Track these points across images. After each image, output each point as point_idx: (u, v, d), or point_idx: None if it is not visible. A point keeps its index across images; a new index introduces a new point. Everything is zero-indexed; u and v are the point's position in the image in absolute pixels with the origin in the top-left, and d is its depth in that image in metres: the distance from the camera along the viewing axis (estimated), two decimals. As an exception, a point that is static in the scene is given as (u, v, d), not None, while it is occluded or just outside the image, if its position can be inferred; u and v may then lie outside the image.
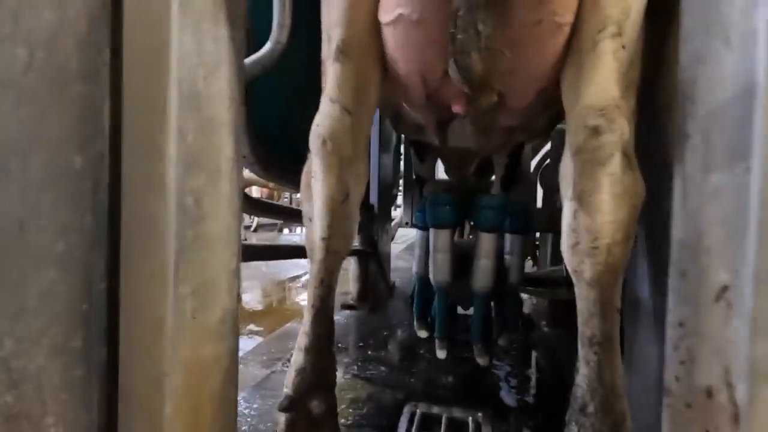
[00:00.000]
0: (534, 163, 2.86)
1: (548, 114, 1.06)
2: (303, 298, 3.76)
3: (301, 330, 0.90)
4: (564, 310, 2.05)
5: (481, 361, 1.39)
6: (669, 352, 0.52)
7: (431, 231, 1.34)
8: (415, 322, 1.64)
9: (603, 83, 0.63)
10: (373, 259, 2.53)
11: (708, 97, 0.46)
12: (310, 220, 0.89)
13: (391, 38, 0.79)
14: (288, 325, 2.30)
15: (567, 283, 1.78)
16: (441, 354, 1.40)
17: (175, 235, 0.55)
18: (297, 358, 0.89)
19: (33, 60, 0.48)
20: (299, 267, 5.12)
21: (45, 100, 0.50)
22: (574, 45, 0.70)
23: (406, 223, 3.32)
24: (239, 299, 0.72)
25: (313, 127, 0.80)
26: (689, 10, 0.50)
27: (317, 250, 0.85)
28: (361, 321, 2.24)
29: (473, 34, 0.66)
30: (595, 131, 0.62)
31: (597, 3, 0.63)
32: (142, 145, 0.55)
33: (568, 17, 0.67)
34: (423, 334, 1.63)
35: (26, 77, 0.47)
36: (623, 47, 0.65)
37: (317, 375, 0.88)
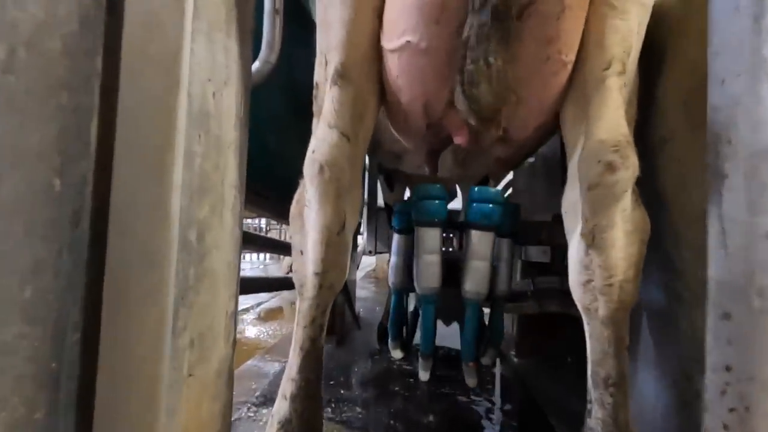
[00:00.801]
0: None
1: (534, 149, 1.09)
2: (260, 332, 3.53)
3: (286, 375, 0.80)
4: (533, 335, 2.05)
5: (471, 382, 1.26)
6: (712, 397, 0.50)
7: (418, 231, 1.12)
8: (389, 341, 1.48)
9: (613, 119, 0.65)
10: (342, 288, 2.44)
11: (750, 139, 0.46)
12: (302, 252, 0.81)
13: (395, 65, 0.76)
14: (248, 362, 2.12)
15: (534, 296, 1.74)
16: (424, 375, 1.27)
17: (176, 276, 0.46)
18: (281, 407, 0.79)
19: (12, 60, 0.39)
20: (250, 297, 4.84)
21: (22, 108, 0.40)
22: (578, 81, 0.72)
23: (369, 251, 3.25)
24: (235, 344, 0.62)
25: (309, 153, 0.74)
26: (719, 53, 0.51)
27: (309, 285, 0.77)
28: (329, 356, 2.11)
29: (483, 66, 0.65)
30: (610, 167, 0.62)
31: (601, 42, 0.66)
32: (140, 168, 0.46)
33: (572, 56, 0.70)
34: (398, 354, 1.50)
35: (2, 79, 0.38)
36: (625, 84, 0.67)
37: (304, 426, 0.79)
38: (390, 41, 0.74)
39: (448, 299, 1.20)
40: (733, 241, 0.49)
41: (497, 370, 1.98)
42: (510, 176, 2.84)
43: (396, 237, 1.34)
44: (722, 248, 0.50)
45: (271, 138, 1.28)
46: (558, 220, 1.11)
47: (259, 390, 1.72)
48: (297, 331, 0.80)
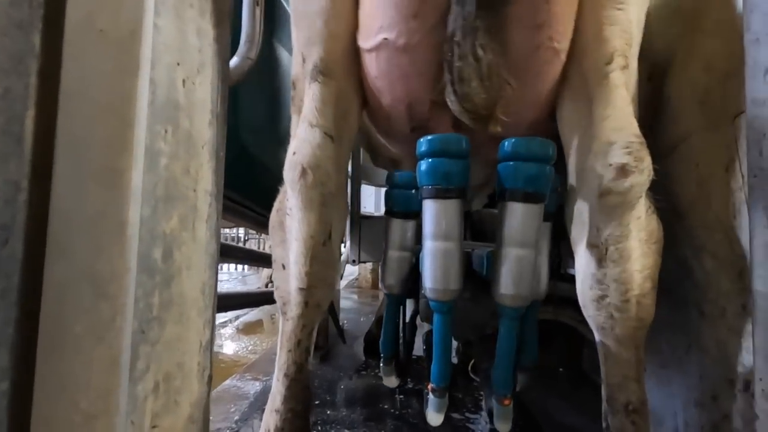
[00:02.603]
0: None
1: None
2: (239, 347, 3.38)
3: (269, 407, 0.71)
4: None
5: (504, 428, 0.81)
6: (764, 426, 0.44)
7: (428, 206, 0.70)
8: (381, 364, 1.00)
9: (622, 118, 0.59)
10: (325, 302, 2.33)
11: (807, 135, 0.41)
12: (284, 266, 0.72)
13: (373, 66, 0.70)
14: (226, 382, 1.99)
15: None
16: (435, 419, 0.79)
17: (135, 305, 0.37)
18: None
19: None
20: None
21: (-76, 93, 0.31)
22: (576, 77, 0.67)
23: (353, 261, 3.16)
24: (210, 380, 0.53)
25: (289, 155, 0.66)
26: (761, 41, 0.46)
27: (293, 303, 0.69)
28: (313, 373, 2.00)
29: (473, 61, 0.60)
30: (623, 171, 0.56)
31: (600, 34, 0.61)
32: (88, 170, 0.36)
33: (564, 43, 0.65)
34: (392, 382, 1.01)
35: None
36: (630, 80, 0.63)
37: None
38: (366, 40, 0.68)
39: (464, 307, 0.84)
40: (788, 251, 0.43)
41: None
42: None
43: (393, 222, 0.91)
44: (772, 259, 0.44)
45: (250, 140, 1.19)
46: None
47: (238, 413, 1.60)
48: (280, 356, 0.71)
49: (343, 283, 5.66)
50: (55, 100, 0.37)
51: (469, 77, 0.60)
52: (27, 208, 0.37)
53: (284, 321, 0.72)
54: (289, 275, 0.69)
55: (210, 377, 0.50)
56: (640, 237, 0.61)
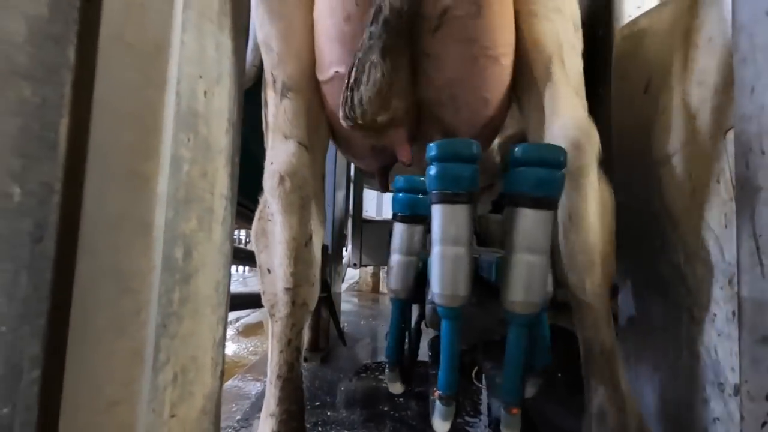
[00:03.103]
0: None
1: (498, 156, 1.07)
2: (240, 348, 3.39)
3: (264, 411, 0.73)
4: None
5: None
6: (750, 428, 0.46)
7: (437, 210, 0.70)
8: (386, 371, 0.99)
9: (568, 102, 0.70)
10: (326, 303, 2.35)
11: (789, 150, 0.44)
12: (269, 271, 0.75)
13: (329, 95, 0.76)
14: (228, 383, 2.01)
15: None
16: (442, 427, 0.77)
17: (158, 301, 0.40)
18: None
19: (-38, 43, 0.32)
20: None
21: (-27, 103, 0.33)
22: (527, 78, 0.76)
23: (354, 264, 3.18)
24: (222, 375, 0.55)
25: (267, 166, 0.71)
26: (747, 60, 0.49)
27: (281, 304, 0.72)
28: (314, 375, 2.02)
29: (365, 75, 0.65)
30: (576, 145, 0.65)
31: (537, 43, 0.72)
32: (118, 175, 0.39)
33: (502, 49, 0.72)
34: (397, 389, 0.99)
35: (-52, 66, 0.31)
36: (570, 78, 0.72)
37: None
38: (321, 73, 0.74)
39: (470, 313, 0.78)
40: (771, 259, 0.45)
41: (485, 386, 1.93)
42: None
43: (398, 227, 0.90)
44: (757, 267, 0.47)
45: (254, 146, 1.22)
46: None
47: (239, 413, 1.62)
48: (272, 358, 0.74)
49: (344, 286, 5.67)
50: (88, 109, 0.40)
51: (359, 87, 0.66)
52: (59, 208, 0.39)
53: (273, 323, 0.74)
54: (275, 278, 0.73)
55: (222, 372, 0.53)
56: (597, 203, 0.69)
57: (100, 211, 0.39)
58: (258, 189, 1.33)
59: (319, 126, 0.79)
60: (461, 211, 0.68)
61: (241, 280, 7.61)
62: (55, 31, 0.40)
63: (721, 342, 0.67)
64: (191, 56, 0.43)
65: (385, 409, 1.63)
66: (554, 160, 0.65)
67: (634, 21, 0.98)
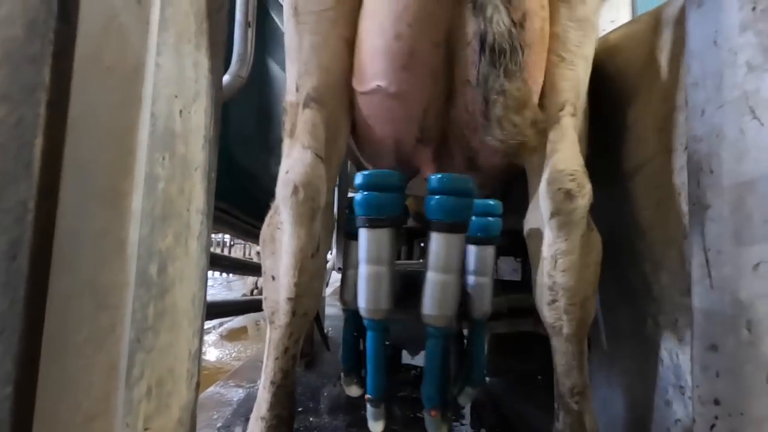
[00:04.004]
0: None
1: (501, 176, 1.11)
2: (223, 354, 3.36)
3: (255, 414, 0.74)
4: (504, 354, 2.04)
5: None
6: (701, 430, 0.49)
7: (363, 233, 0.77)
8: (342, 375, 1.06)
9: (570, 152, 0.71)
10: (310, 310, 2.35)
11: (735, 170, 0.47)
12: (273, 278, 0.76)
13: (366, 107, 0.78)
14: (210, 389, 1.99)
15: (509, 315, 1.71)
16: (377, 427, 0.85)
17: (132, 316, 0.41)
18: None
19: (-64, 68, 0.33)
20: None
21: (-52, 125, 0.34)
22: None
23: (339, 269, 3.17)
24: (198, 386, 0.56)
25: (282, 174, 0.71)
26: (698, 84, 0.52)
27: (282, 312, 0.73)
28: (297, 380, 2.01)
29: (500, 96, 0.69)
30: (569, 195, 0.68)
31: (555, 86, 0.74)
32: (92, 193, 0.40)
33: (535, 87, 0.74)
34: (354, 391, 1.05)
35: None
36: (576, 125, 0.75)
37: None
38: (360, 84, 0.76)
39: (413, 324, 0.85)
40: (719, 272, 0.48)
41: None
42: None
43: (348, 245, 0.96)
44: (707, 279, 0.50)
45: (237, 153, 1.22)
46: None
47: (221, 420, 1.61)
48: (267, 364, 0.75)
49: (328, 290, 5.64)
50: (63, 128, 0.41)
51: (504, 109, 0.70)
52: (33, 226, 0.40)
53: (272, 330, 0.75)
54: (279, 286, 0.74)
55: (198, 384, 0.54)
56: (582, 251, 0.72)
57: (75, 228, 0.40)
58: (242, 195, 1.34)
59: (337, 137, 0.80)
60: (383, 235, 0.75)
61: (226, 284, 7.53)
62: (31, 51, 0.41)
63: (682, 347, 0.70)
64: (168, 77, 0.44)
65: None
66: (464, 190, 0.74)
67: (606, 37, 1.02)
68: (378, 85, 0.73)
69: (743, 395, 0.45)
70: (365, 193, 0.76)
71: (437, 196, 0.74)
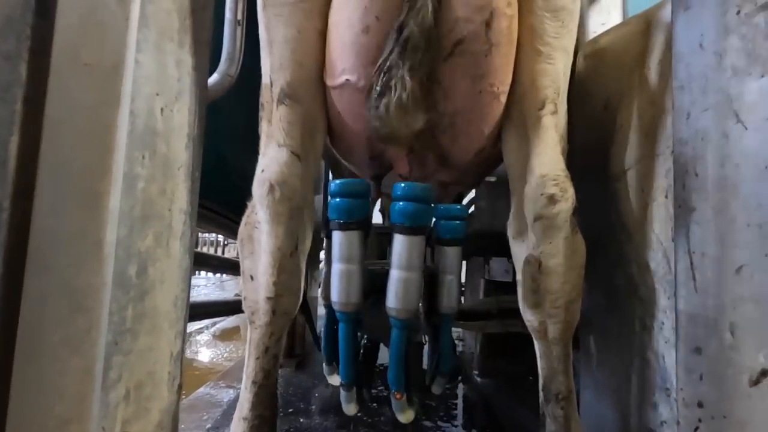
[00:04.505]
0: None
1: (480, 171, 1.11)
2: (215, 354, 3.34)
3: (237, 414, 0.73)
4: (496, 354, 2.05)
5: (402, 417, 0.97)
6: (684, 427, 0.49)
7: (335, 235, 0.87)
8: (324, 365, 1.17)
9: (552, 155, 0.71)
10: (302, 308, 2.34)
11: (719, 174, 0.47)
12: (252, 278, 0.76)
13: (337, 101, 0.77)
14: (200, 390, 1.98)
15: (499, 315, 1.73)
16: (349, 409, 0.96)
17: (109, 318, 0.40)
18: None
19: None
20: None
21: None
22: (516, 117, 0.77)
23: (329, 266, 3.15)
24: (180, 389, 0.55)
25: (258, 173, 0.71)
26: (684, 88, 0.52)
27: (261, 312, 0.72)
28: (288, 381, 2.01)
29: (397, 92, 0.67)
30: (552, 200, 0.68)
31: (534, 83, 0.72)
32: (68, 193, 0.39)
33: (504, 87, 0.74)
34: (335, 380, 1.15)
35: None
36: (558, 123, 0.74)
37: None
38: (331, 79, 0.74)
39: (379, 315, 0.95)
40: (703, 275, 0.48)
41: (460, 391, 1.96)
42: (472, 194, 2.87)
43: (327, 244, 1.07)
44: (691, 282, 0.50)
45: (227, 152, 1.21)
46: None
47: (210, 422, 1.60)
48: (249, 364, 0.74)
49: (320, 290, 5.62)
50: (40, 127, 0.40)
51: (389, 105, 0.67)
52: (8, 225, 0.39)
53: (252, 330, 0.75)
54: (258, 286, 0.73)
55: (180, 386, 0.53)
56: (566, 254, 0.71)
57: (51, 228, 0.39)
58: (229, 194, 1.33)
59: (314, 133, 0.79)
60: (353, 236, 0.84)
61: (219, 283, 7.49)
62: (6, 48, 0.40)
63: (668, 349, 0.70)
64: (149, 75, 0.43)
65: (359, 414, 1.63)
66: (424, 197, 0.82)
67: (595, 39, 1.02)
68: (347, 80, 0.72)
69: (726, 398, 0.45)
70: (337, 199, 0.85)
71: (400, 203, 0.82)
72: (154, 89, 0.44)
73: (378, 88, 0.66)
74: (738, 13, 0.46)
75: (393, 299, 0.82)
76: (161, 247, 0.46)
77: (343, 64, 0.71)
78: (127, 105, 0.40)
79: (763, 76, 0.44)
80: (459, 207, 1.01)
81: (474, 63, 0.69)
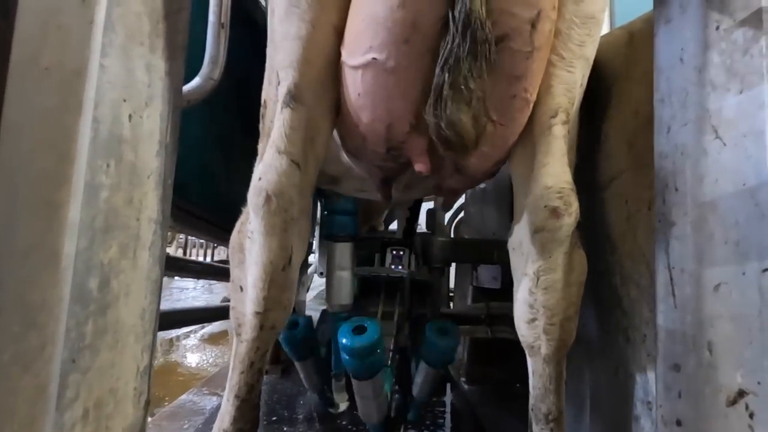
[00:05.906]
0: (448, 216, 2.95)
1: (485, 179, 1.09)
2: (201, 359, 3.29)
3: (217, 426, 0.72)
4: (483, 361, 2.03)
5: (338, 398, 1.23)
6: (662, 450, 0.49)
7: (329, 246, 1.11)
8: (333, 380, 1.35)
9: (558, 166, 0.67)
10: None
11: (697, 190, 0.46)
12: (241, 288, 0.73)
13: (357, 83, 0.71)
14: (183, 397, 1.94)
15: (486, 321, 1.73)
16: (340, 399, 1.19)
17: (66, 335, 0.38)
18: None
19: None
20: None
21: None
22: (527, 125, 0.73)
23: (321, 273, 3.14)
24: (148, 404, 0.53)
25: (254, 180, 0.67)
26: (665, 101, 0.52)
27: (248, 326, 0.70)
28: (272, 388, 1.98)
29: (464, 91, 0.62)
30: (555, 213, 0.64)
31: (549, 90, 0.68)
32: (22, 203, 0.38)
33: (534, 95, 0.70)
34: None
35: None
36: (568, 132, 0.70)
37: None
38: (353, 57, 0.68)
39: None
40: (682, 291, 0.48)
41: (447, 398, 1.94)
42: (461, 200, 2.87)
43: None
44: (670, 297, 0.49)
45: (210, 157, 1.19)
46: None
47: (191, 429, 1.57)
48: (232, 377, 0.72)
49: (310, 294, 5.58)
50: (-5, 133, 0.38)
51: (459, 106, 0.63)
52: (-40, 237, 0.37)
53: (238, 342, 0.72)
54: (246, 298, 0.70)
55: (147, 401, 0.51)
56: (566, 269, 0.69)
57: (5, 240, 0.38)
58: (213, 199, 1.30)
59: (316, 139, 0.74)
60: (345, 247, 1.07)
61: (207, 286, 7.40)
62: (-37, 50, 0.38)
63: (650, 362, 0.70)
64: (115, 80, 0.42)
65: (344, 423, 1.61)
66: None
67: (582, 49, 1.02)
68: (374, 58, 0.65)
69: (704, 417, 0.44)
70: (330, 215, 1.09)
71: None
72: (120, 95, 0.42)
73: (447, 87, 0.61)
74: (717, 28, 0.46)
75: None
76: (127, 258, 0.44)
77: (371, 41, 0.65)
78: (90, 111, 0.39)
79: (741, 92, 0.43)
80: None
81: (514, 64, 0.64)
